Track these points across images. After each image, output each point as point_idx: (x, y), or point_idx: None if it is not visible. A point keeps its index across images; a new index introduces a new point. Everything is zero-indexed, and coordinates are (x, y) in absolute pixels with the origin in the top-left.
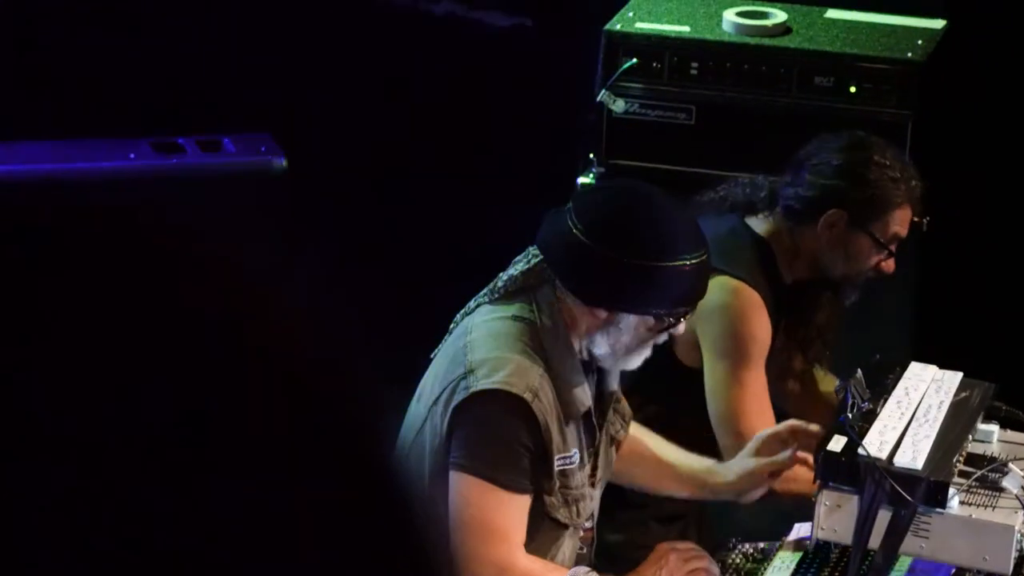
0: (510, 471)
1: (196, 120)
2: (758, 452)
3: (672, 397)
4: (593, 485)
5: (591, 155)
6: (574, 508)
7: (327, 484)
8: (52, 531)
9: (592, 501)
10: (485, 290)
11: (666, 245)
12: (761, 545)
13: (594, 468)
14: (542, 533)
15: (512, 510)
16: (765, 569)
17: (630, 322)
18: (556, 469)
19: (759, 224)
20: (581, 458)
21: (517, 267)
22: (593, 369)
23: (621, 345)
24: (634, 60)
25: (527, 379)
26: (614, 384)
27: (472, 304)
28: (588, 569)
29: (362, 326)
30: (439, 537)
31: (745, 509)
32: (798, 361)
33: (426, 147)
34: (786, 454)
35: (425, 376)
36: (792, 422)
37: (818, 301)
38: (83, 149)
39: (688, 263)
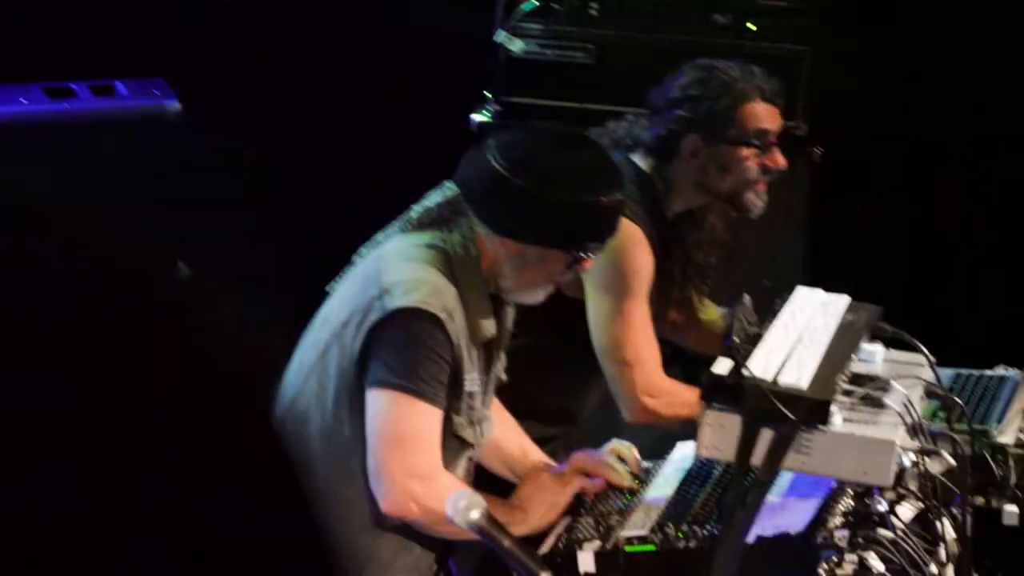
0: (431, 383)
1: (88, 64)
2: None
3: (557, 329)
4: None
5: (486, 93)
6: (478, 428)
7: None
8: None
9: (490, 424)
10: (395, 223)
11: (581, 181)
12: (645, 464)
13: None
14: (446, 451)
15: (434, 422)
16: (648, 487)
17: (539, 255)
18: (465, 389)
19: (642, 160)
20: (482, 382)
21: (432, 199)
22: (495, 299)
23: (527, 278)
24: (534, 1)
25: (442, 300)
26: (509, 323)
27: (380, 237)
28: (470, 491)
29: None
30: (338, 460)
31: (628, 430)
32: (679, 292)
33: (324, 85)
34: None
35: (327, 305)
36: (576, 461)
37: (697, 233)
38: None
39: (602, 199)
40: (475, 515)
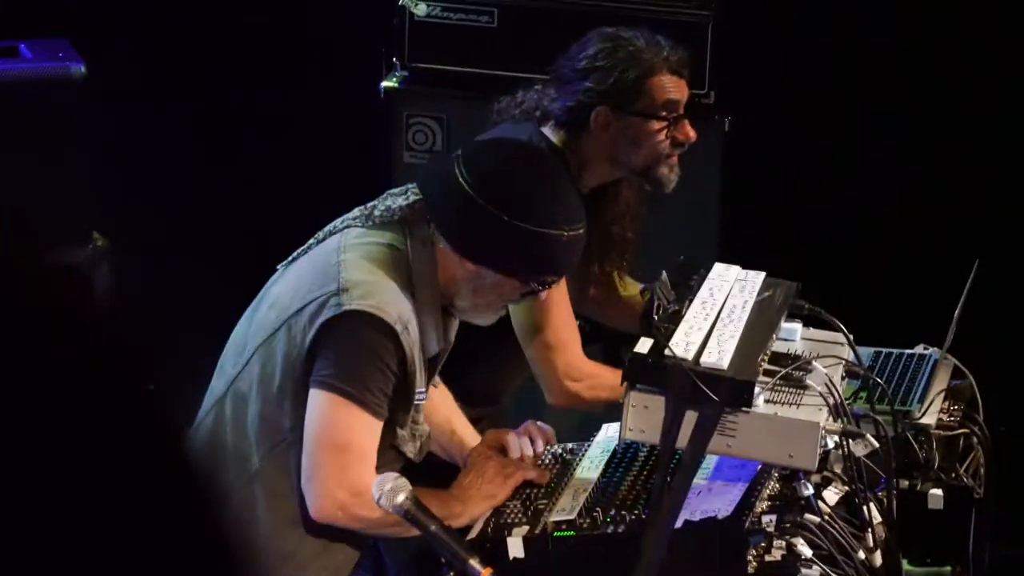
0: (376, 394)
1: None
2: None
3: None
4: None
5: (394, 59)
6: (418, 443)
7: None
8: None
9: (429, 439)
10: (356, 213)
11: (548, 212)
12: (570, 446)
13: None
14: (383, 462)
15: (372, 433)
16: (575, 470)
17: (497, 280)
18: (413, 403)
19: (553, 134)
20: (426, 396)
21: (395, 200)
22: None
23: (482, 300)
24: None
25: (399, 309)
26: (452, 336)
27: (339, 224)
28: (397, 475)
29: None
30: (275, 451)
31: (551, 412)
32: (596, 267)
33: (227, 50)
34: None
35: (276, 284)
36: (492, 435)
37: (613, 207)
38: None
39: (566, 234)
40: (401, 498)
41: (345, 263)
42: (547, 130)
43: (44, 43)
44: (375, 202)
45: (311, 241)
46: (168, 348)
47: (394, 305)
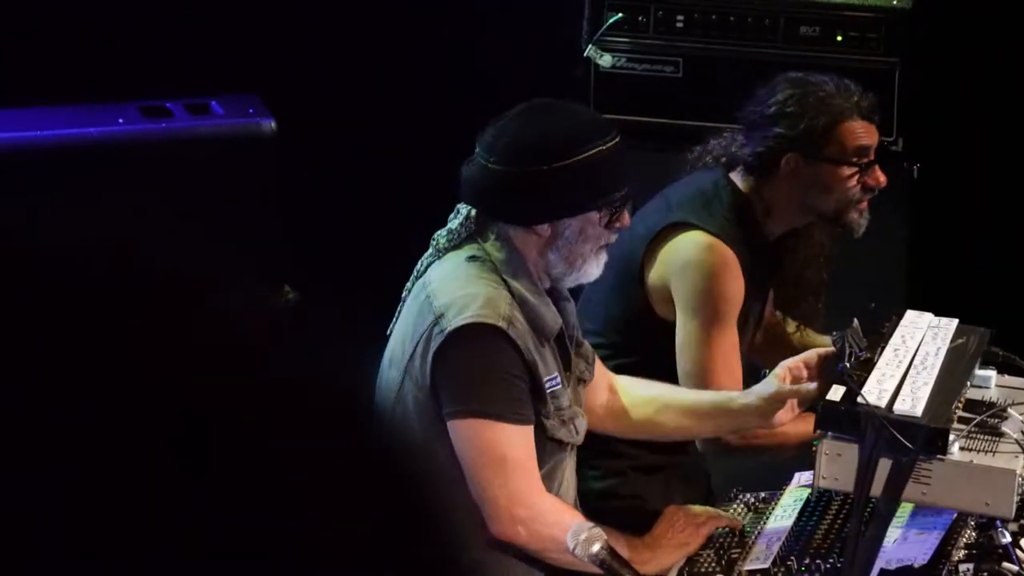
0: (508, 402)
1: (183, 83)
2: (783, 379)
3: (648, 349)
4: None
5: None
6: (571, 426)
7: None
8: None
9: (583, 419)
10: (428, 253)
11: (574, 139)
12: (762, 495)
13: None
14: (546, 456)
15: (522, 441)
16: (768, 518)
17: (574, 228)
18: (547, 391)
19: (741, 180)
20: (563, 380)
21: (453, 223)
22: (555, 299)
23: (575, 254)
24: (619, 14)
25: (497, 308)
26: (572, 317)
27: (420, 267)
28: (592, 525)
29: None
30: (444, 489)
31: (740, 461)
32: (780, 314)
33: (418, 109)
34: (811, 386)
35: (390, 345)
36: (818, 350)
37: (806, 249)
38: (71, 115)
39: (604, 147)
40: (596, 548)
41: (433, 293)
42: (735, 176)
43: (234, 99)
44: (436, 234)
45: (403, 294)
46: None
47: (491, 306)
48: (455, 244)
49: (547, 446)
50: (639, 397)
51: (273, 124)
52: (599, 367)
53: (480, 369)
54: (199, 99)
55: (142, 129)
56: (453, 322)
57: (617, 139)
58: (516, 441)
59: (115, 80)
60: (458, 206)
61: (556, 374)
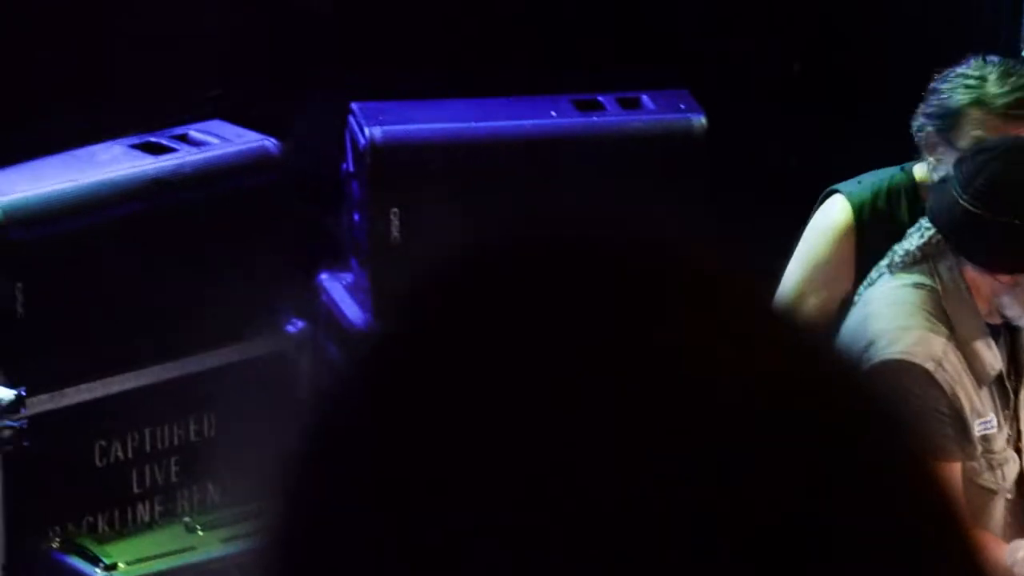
0: (936, 439)
1: (611, 75)
2: None
3: None
4: (1019, 451)
5: None
6: (999, 472)
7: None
8: None
9: (1015, 464)
10: (883, 262)
11: None
12: None
13: (1018, 433)
14: (971, 501)
15: (951, 480)
16: None
17: None
18: (977, 435)
19: None
20: (998, 422)
21: (912, 241)
22: (1003, 331)
23: None
24: None
25: (929, 348)
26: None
27: (874, 275)
28: None
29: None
30: None
31: None
32: None
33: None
34: None
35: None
36: None
37: None
38: (506, 107)
39: None
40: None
41: (871, 315)
42: None
43: (666, 94)
44: (895, 247)
45: (855, 297)
46: None
47: (923, 344)
48: (907, 264)
49: (971, 490)
50: None
51: (704, 120)
52: None
53: (903, 404)
54: (630, 93)
55: (576, 123)
56: (881, 353)
57: None
58: (945, 480)
59: (542, 71)
60: (922, 221)
61: (991, 416)
